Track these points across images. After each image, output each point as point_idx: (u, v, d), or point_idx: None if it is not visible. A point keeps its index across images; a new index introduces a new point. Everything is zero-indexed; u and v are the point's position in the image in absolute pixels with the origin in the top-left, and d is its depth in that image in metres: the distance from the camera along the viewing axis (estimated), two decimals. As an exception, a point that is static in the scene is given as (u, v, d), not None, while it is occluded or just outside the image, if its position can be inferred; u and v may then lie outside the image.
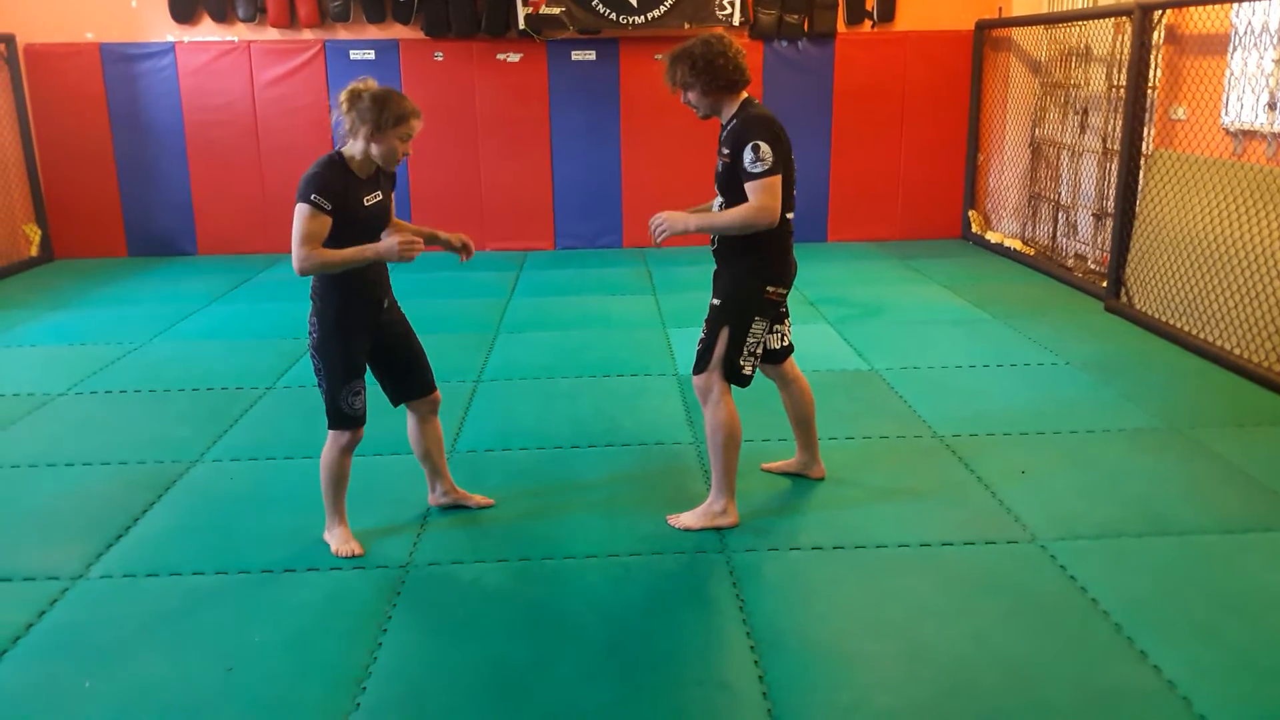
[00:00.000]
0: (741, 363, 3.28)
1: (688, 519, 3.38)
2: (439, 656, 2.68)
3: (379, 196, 3.14)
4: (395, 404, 3.43)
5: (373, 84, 3.01)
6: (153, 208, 8.23)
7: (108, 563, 3.22)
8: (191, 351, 5.56)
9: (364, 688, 2.55)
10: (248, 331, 5.97)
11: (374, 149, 3.00)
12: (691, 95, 3.25)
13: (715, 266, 3.34)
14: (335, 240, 3.01)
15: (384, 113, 2.95)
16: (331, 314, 3.12)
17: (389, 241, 3.02)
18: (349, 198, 3.01)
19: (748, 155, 3.09)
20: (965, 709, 2.40)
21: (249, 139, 8.15)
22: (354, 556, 3.21)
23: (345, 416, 3.18)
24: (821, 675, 2.55)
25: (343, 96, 2.98)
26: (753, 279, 3.24)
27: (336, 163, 3.03)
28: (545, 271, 7.63)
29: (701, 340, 3.32)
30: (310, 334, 3.17)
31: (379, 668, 2.63)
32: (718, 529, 3.33)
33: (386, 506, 3.58)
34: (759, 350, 3.33)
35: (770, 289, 3.26)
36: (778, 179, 3.13)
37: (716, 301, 3.29)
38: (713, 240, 3.30)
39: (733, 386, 3.32)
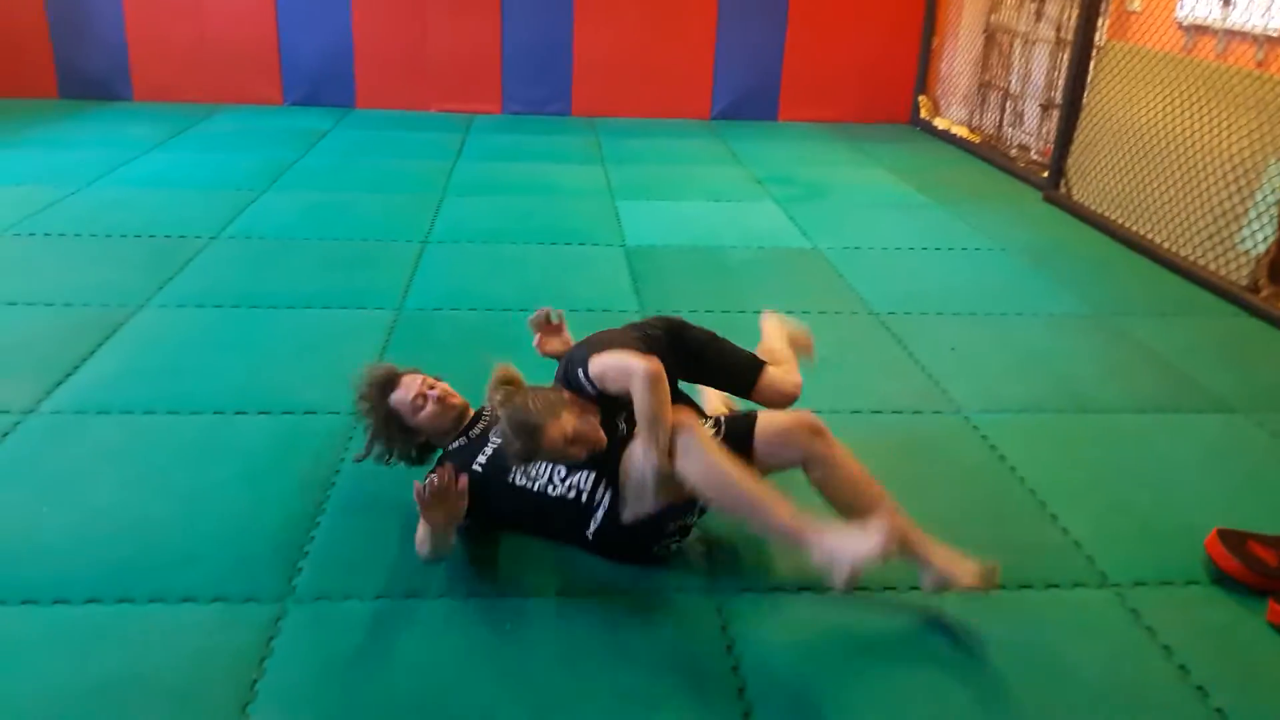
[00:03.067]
0: None
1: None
2: (391, 490, 2.74)
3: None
4: None
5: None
6: (85, 48, 7.84)
7: (58, 399, 3.23)
8: (133, 197, 5.43)
9: (318, 522, 2.64)
10: (189, 181, 5.83)
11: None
12: None
13: None
14: None
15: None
16: None
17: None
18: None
19: None
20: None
21: (186, -21, 7.76)
22: None
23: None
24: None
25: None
26: None
27: None
28: (492, 136, 7.51)
29: None
30: None
31: (332, 505, 2.72)
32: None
33: (338, 356, 3.62)
34: None
35: None
36: None
37: None
38: None
39: None
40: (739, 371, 2.76)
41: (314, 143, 6.95)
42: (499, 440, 2.50)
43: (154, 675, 2.09)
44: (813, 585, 2.43)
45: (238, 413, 3.20)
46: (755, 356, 2.81)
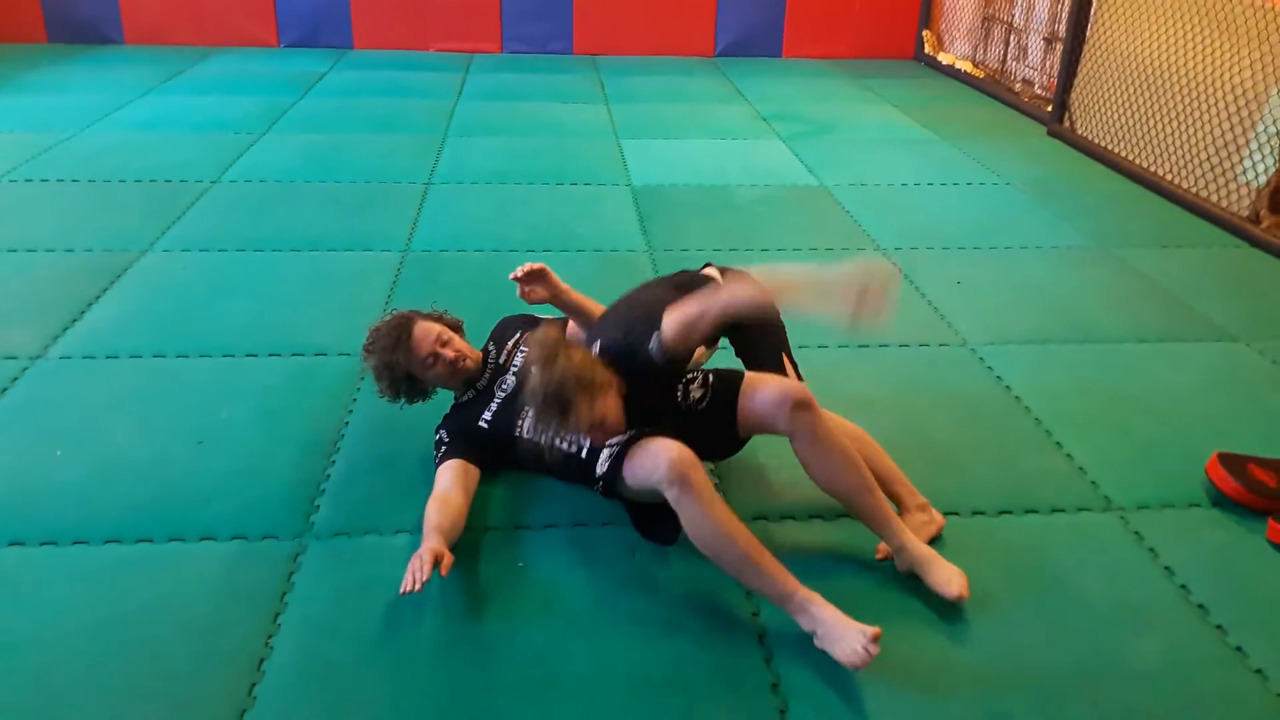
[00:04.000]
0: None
1: None
2: (403, 434, 2.78)
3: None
4: None
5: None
6: (73, -10, 7.74)
7: (66, 344, 3.25)
8: (130, 141, 5.39)
9: (333, 460, 2.67)
10: (187, 124, 5.78)
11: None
12: None
13: None
14: None
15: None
16: None
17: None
18: None
19: None
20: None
21: (174, -82, 7.62)
22: None
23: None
24: (770, 460, 2.72)
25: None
26: None
27: None
28: (493, 75, 7.43)
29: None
30: None
31: (346, 442, 2.75)
32: None
33: (346, 297, 3.63)
34: None
35: None
36: None
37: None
38: None
39: None
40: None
41: (312, 84, 6.87)
42: (505, 393, 2.53)
43: (177, 608, 2.14)
44: (823, 513, 2.47)
45: (248, 355, 3.22)
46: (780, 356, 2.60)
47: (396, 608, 2.15)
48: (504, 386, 2.58)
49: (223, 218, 4.39)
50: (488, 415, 2.55)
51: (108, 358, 3.18)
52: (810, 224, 4.58)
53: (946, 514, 2.46)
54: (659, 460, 2.13)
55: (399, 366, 2.57)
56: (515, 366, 2.61)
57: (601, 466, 2.30)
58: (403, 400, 2.67)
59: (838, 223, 4.59)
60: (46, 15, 7.78)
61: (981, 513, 2.53)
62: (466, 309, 3.59)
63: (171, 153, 5.21)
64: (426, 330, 2.59)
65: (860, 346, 3.39)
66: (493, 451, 2.53)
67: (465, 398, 2.65)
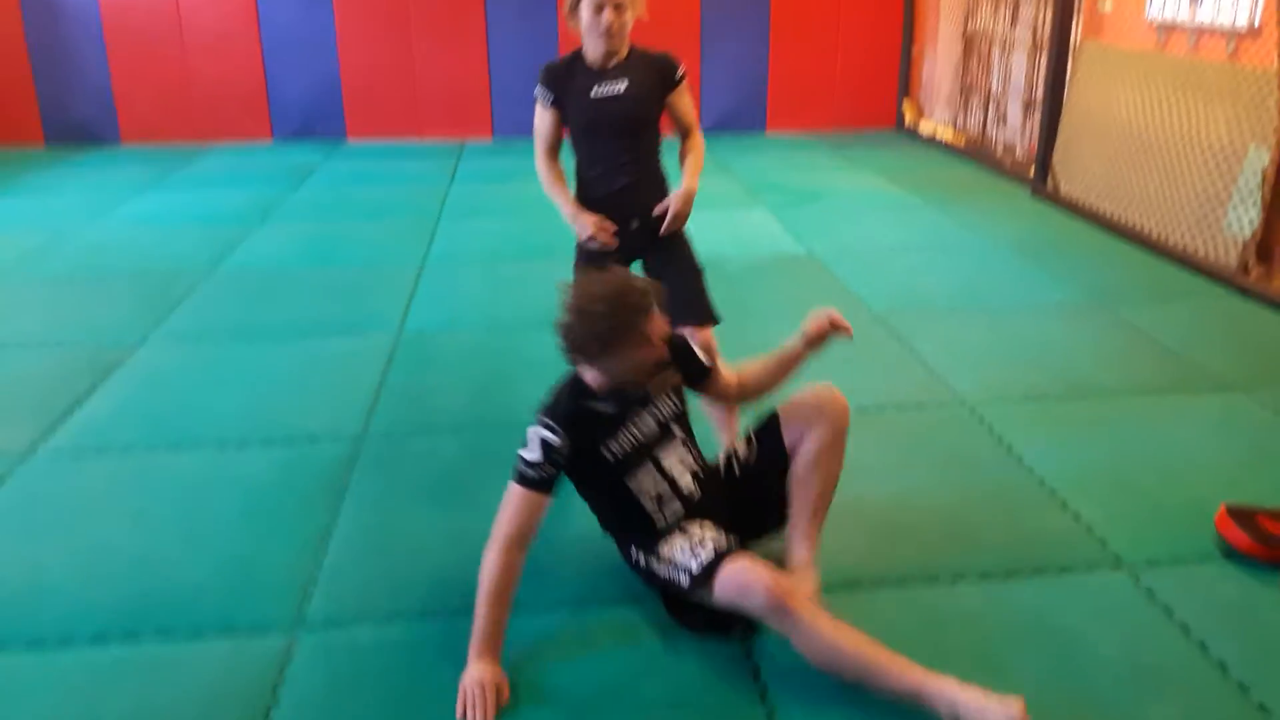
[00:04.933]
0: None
1: None
2: (398, 521, 2.75)
3: (622, 87, 2.75)
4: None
5: None
6: (70, 95, 7.90)
7: (57, 441, 3.21)
8: (125, 238, 5.44)
9: (325, 551, 2.62)
10: (181, 219, 5.85)
11: (581, 28, 2.71)
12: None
13: None
14: (570, 140, 2.82)
15: None
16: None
17: (582, 217, 2.77)
18: (572, 88, 2.77)
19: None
20: (902, 551, 2.57)
21: (170, 22, 7.81)
22: None
23: None
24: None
25: None
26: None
27: (572, 53, 2.81)
28: (485, 160, 7.54)
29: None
30: None
31: (339, 532, 2.70)
32: None
33: (339, 382, 3.62)
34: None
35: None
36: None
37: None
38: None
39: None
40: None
41: (306, 176, 6.97)
42: (639, 434, 2.30)
43: (167, 713, 2.06)
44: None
45: (239, 445, 3.18)
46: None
47: (391, 699, 2.08)
48: (641, 425, 2.30)
49: (216, 308, 4.40)
50: (615, 446, 2.26)
51: (98, 452, 3.15)
52: (801, 291, 4.59)
53: (953, 578, 2.41)
54: (754, 590, 2.04)
55: (608, 336, 2.14)
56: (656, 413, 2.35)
57: (686, 572, 2.19)
58: (572, 355, 2.24)
59: (828, 289, 4.61)
60: (44, 118, 7.93)
61: (989, 575, 2.48)
62: (460, 387, 3.56)
63: (166, 247, 5.26)
64: (661, 323, 2.21)
65: (858, 409, 3.34)
66: (586, 480, 2.32)
67: (604, 408, 2.26)
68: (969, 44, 7.79)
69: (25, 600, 2.42)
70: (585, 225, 2.80)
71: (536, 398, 3.52)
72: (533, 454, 2.19)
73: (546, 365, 3.74)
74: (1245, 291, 4.45)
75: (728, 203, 6.19)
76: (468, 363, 3.78)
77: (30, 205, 6.15)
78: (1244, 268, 4.57)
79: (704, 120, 8.48)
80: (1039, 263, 4.94)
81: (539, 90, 2.80)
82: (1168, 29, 5.40)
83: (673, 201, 2.82)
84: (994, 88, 7.49)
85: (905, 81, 8.60)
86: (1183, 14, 5.26)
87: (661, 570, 2.26)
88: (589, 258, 2.83)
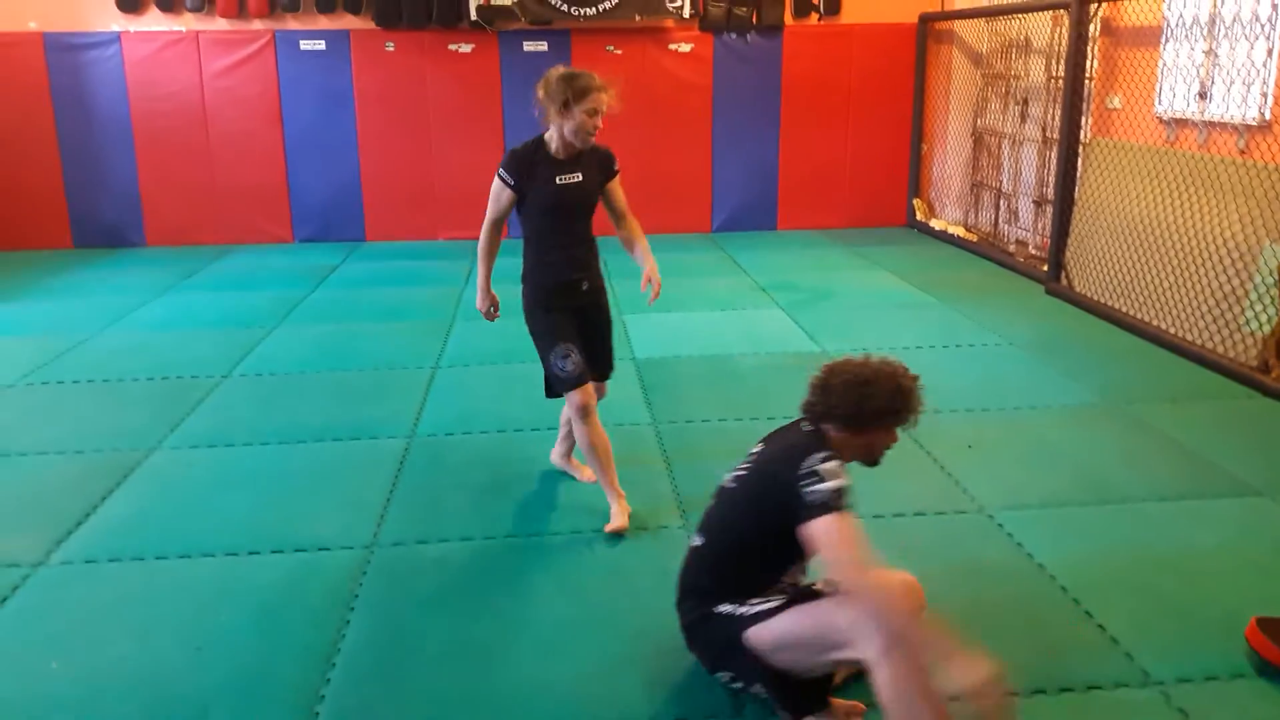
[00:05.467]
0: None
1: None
2: (407, 633, 2.72)
3: (577, 178, 3.21)
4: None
5: (561, 68, 3.14)
6: (99, 199, 8.10)
7: (69, 549, 3.20)
8: (144, 341, 5.50)
9: (334, 664, 2.58)
10: (201, 321, 5.93)
11: (566, 127, 3.10)
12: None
13: None
14: (526, 217, 3.25)
15: (567, 90, 3.04)
16: (529, 288, 3.32)
17: (482, 298, 3.42)
18: (536, 175, 3.16)
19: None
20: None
21: (198, 129, 8.05)
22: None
23: (561, 379, 3.23)
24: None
25: (538, 84, 3.11)
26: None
27: (533, 141, 3.19)
28: (501, 259, 7.59)
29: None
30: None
31: (348, 644, 2.67)
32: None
33: (351, 488, 3.61)
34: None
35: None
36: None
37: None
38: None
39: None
40: None
41: (325, 277, 7.08)
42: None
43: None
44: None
45: (250, 553, 3.17)
46: None
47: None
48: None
49: (231, 412, 4.42)
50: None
51: (110, 561, 3.14)
52: (816, 392, 4.57)
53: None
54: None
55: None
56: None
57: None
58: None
59: (844, 390, 4.59)
60: (73, 221, 8.13)
61: (1013, 693, 2.40)
62: (471, 489, 3.55)
63: (184, 350, 5.31)
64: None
65: (875, 517, 3.31)
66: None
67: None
68: (978, 141, 7.92)
69: (33, 715, 2.38)
70: (485, 300, 3.40)
71: (550, 503, 3.51)
72: None
73: (553, 470, 3.75)
74: (1266, 391, 4.41)
75: (740, 301, 6.23)
76: (478, 467, 3.77)
77: (55, 308, 6.26)
78: (1263, 366, 4.53)
79: (716, 218, 8.64)
80: (1055, 361, 4.92)
81: (505, 173, 3.17)
82: (1177, 124, 5.48)
83: (655, 277, 3.31)
84: (1004, 184, 7.58)
85: (916, 178, 8.72)
86: (1192, 109, 5.34)
87: None
88: (547, 308, 3.28)
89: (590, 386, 3.26)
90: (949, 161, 8.41)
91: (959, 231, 8.04)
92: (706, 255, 7.71)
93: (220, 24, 7.95)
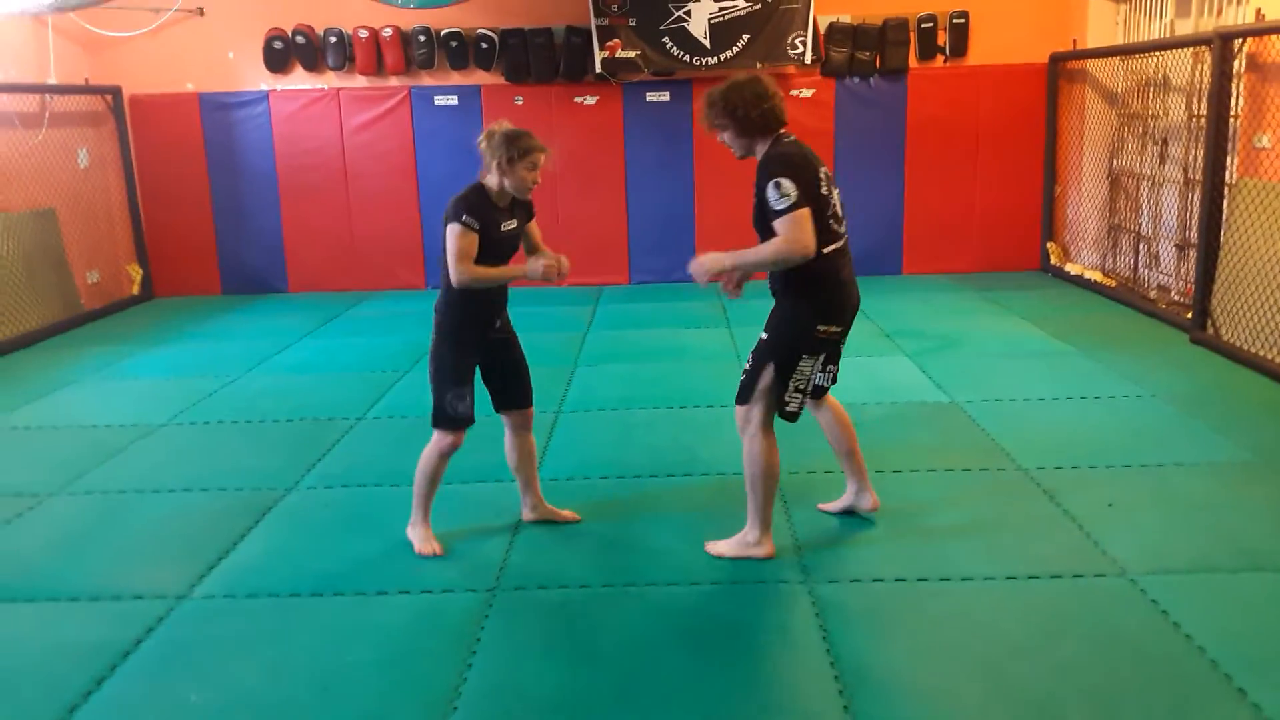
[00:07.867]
0: (787, 399, 3.29)
1: (723, 547, 3.42)
2: (527, 679, 2.74)
3: (514, 225, 3.45)
4: (496, 410, 3.66)
5: (506, 124, 3.35)
6: (246, 248, 8.59)
7: (210, 583, 3.36)
8: (285, 384, 5.77)
9: (455, 707, 2.62)
10: (338, 364, 6.18)
11: (506, 181, 3.32)
12: (725, 136, 3.32)
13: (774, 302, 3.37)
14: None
15: (511, 148, 3.26)
16: (449, 326, 3.47)
17: (535, 262, 3.41)
18: (488, 222, 3.35)
19: (770, 193, 3.11)
20: (1055, 740, 2.38)
21: (338, 182, 8.46)
22: (434, 555, 3.47)
23: (447, 417, 3.44)
24: (906, 710, 2.54)
25: (481, 136, 3.36)
26: (802, 318, 3.24)
27: (478, 190, 3.38)
28: (621, 305, 7.73)
29: (746, 372, 3.35)
30: (432, 340, 3.51)
31: (469, 688, 2.71)
32: (752, 559, 3.36)
33: (474, 530, 3.68)
34: (807, 387, 3.33)
35: (821, 328, 3.25)
36: (804, 212, 3.10)
37: (765, 335, 3.31)
38: (769, 277, 3.33)
39: (776, 419, 3.33)
40: None
41: (451, 323, 7.28)
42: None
43: None
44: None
45: (379, 593, 3.26)
46: None
47: None
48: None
49: (365, 454, 4.58)
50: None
51: (247, 597, 3.27)
52: (943, 442, 4.45)
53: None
54: None
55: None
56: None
57: None
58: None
59: (973, 441, 4.45)
60: (223, 271, 8.64)
61: None
62: (589, 536, 3.59)
63: (321, 392, 5.54)
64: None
65: (1007, 578, 3.18)
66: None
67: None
68: (1115, 183, 7.62)
69: (168, 749, 2.49)
70: (538, 261, 3.43)
71: (668, 552, 3.51)
72: None
73: (677, 517, 3.74)
74: None
75: (865, 349, 6.12)
76: (596, 515, 3.79)
77: (204, 351, 6.62)
78: None
79: (840, 264, 8.51)
80: (1202, 415, 4.65)
81: (469, 220, 3.31)
82: (1333, 168, 5.16)
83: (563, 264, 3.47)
84: (1144, 227, 7.26)
85: (1049, 221, 8.44)
86: (1349, 153, 5.02)
87: None
88: (462, 348, 3.48)
89: (463, 435, 3.46)
90: (1084, 204, 8.11)
91: (1096, 276, 7.72)
92: (829, 301, 7.60)
93: (359, 81, 8.37)
